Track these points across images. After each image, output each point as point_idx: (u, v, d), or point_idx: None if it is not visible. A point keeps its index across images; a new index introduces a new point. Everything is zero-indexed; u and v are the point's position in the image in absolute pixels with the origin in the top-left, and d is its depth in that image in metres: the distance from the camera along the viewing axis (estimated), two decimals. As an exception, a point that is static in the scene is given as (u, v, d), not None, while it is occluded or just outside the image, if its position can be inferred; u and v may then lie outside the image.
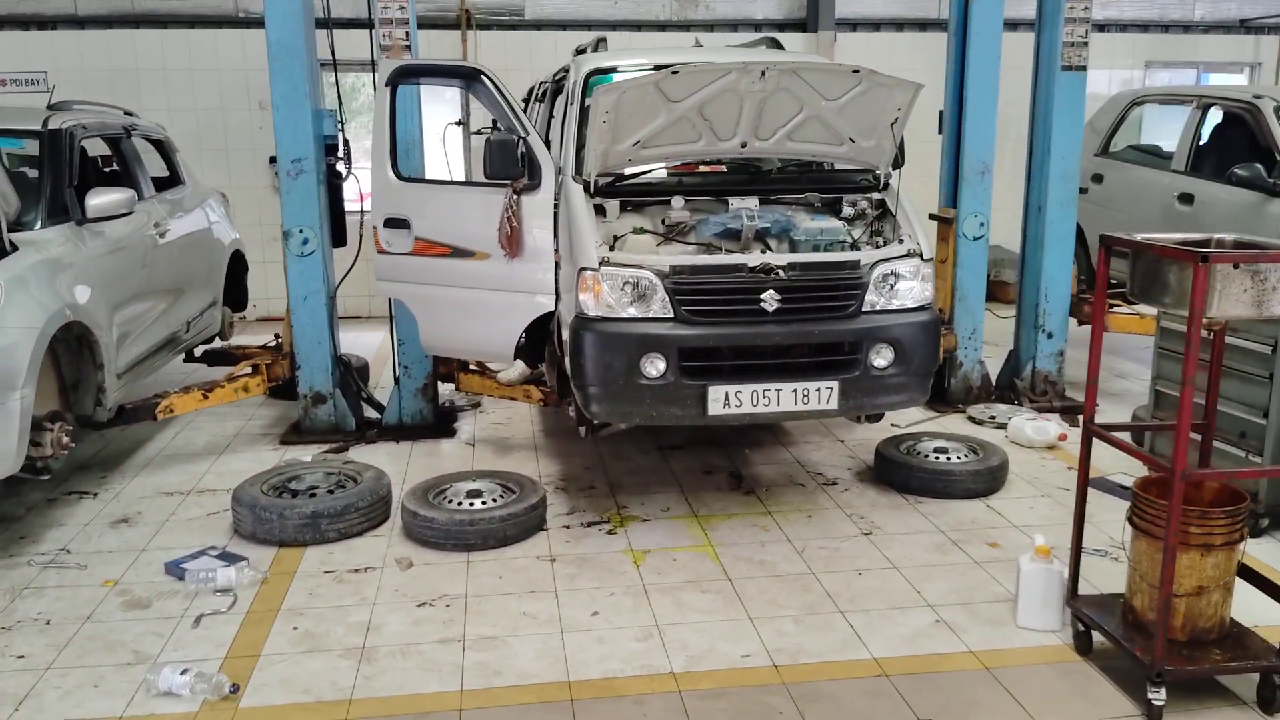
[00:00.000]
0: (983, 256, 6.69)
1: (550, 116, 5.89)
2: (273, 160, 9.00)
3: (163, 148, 6.95)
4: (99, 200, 5.15)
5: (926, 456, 5.35)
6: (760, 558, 4.50)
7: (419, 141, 6.09)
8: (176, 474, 5.65)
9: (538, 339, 5.29)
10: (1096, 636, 3.61)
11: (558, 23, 10.17)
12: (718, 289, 4.44)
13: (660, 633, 3.83)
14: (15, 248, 4.56)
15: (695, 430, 6.07)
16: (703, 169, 5.50)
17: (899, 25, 10.76)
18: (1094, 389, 3.63)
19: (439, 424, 6.39)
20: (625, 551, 4.58)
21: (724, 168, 5.44)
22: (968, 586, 4.21)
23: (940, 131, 6.88)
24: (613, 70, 5.27)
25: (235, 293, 7.46)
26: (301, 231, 5.95)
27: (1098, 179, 8.12)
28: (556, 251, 4.96)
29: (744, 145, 4.86)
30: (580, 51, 6.01)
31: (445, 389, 6.61)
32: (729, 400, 4.41)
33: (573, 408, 4.83)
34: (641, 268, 4.44)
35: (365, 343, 8.52)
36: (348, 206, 6.39)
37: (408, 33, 5.92)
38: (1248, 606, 3.53)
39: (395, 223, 5.37)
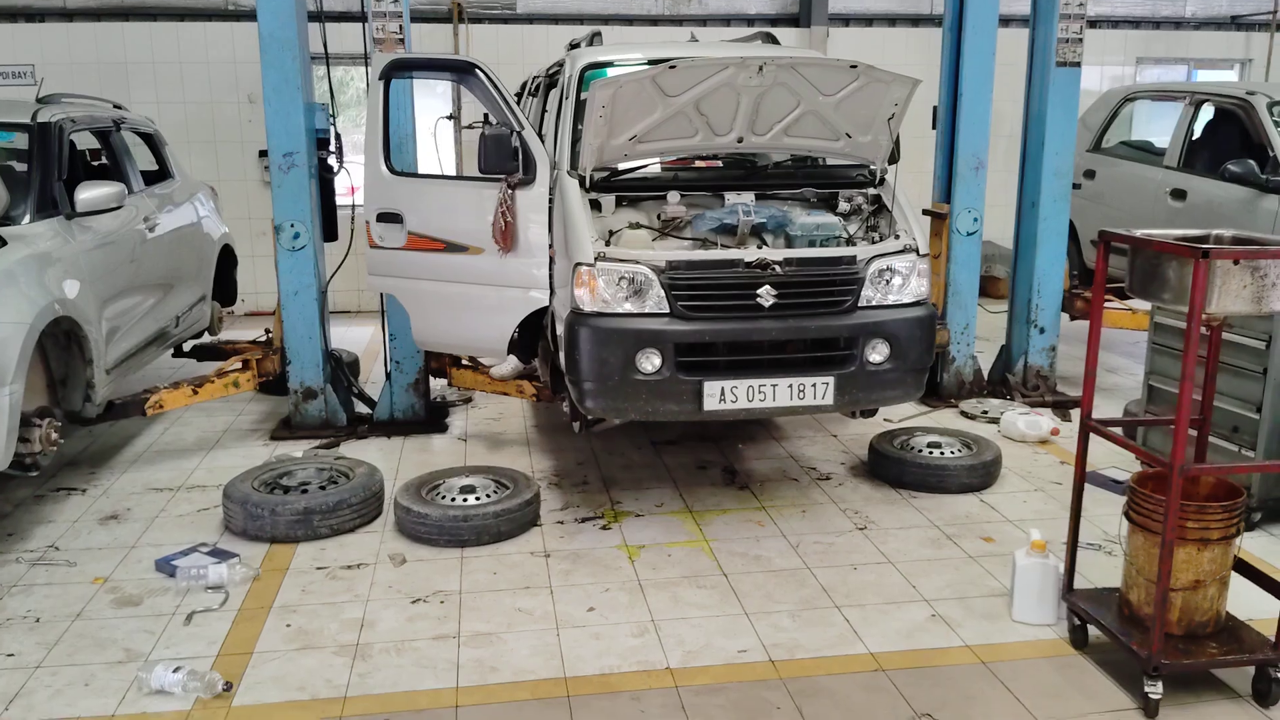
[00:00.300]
0: (976, 252, 6.69)
1: (544, 111, 5.86)
2: (263, 154, 8.98)
3: (152, 141, 6.90)
4: (88, 194, 5.11)
5: (920, 451, 5.35)
6: (755, 553, 4.49)
7: (412, 135, 6.05)
8: (166, 470, 5.61)
9: (531, 334, 5.27)
10: (1092, 630, 3.62)
11: (550, 16, 10.13)
12: (714, 284, 4.42)
13: (656, 628, 3.82)
14: (4, 242, 4.51)
15: (689, 425, 6.05)
16: (699, 164, 5.48)
17: (892, 20, 10.76)
18: (1091, 384, 3.62)
19: (431, 419, 6.36)
20: (620, 547, 4.56)
21: (720, 163, 5.42)
22: (963, 581, 4.20)
23: (934, 127, 6.88)
24: (608, 64, 5.25)
25: (225, 287, 7.41)
26: (293, 226, 5.91)
27: (1090, 175, 8.14)
28: (551, 246, 4.93)
29: (740, 140, 4.84)
30: (574, 46, 5.98)
31: (437, 384, 6.59)
32: (724, 396, 4.39)
33: (567, 403, 4.81)
34: (637, 263, 4.42)
35: (356, 338, 8.48)
36: (339, 201, 6.36)
37: (401, 26, 5.89)
38: (1243, 600, 3.54)
39: (388, 217, 5.33)
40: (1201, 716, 3.24)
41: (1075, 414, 6.06)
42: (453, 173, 9.18)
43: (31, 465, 4.53)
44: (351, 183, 6.55)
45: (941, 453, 5.33)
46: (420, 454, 5.88)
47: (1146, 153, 7.92)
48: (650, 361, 4.35)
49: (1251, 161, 6.63)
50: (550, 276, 4.97)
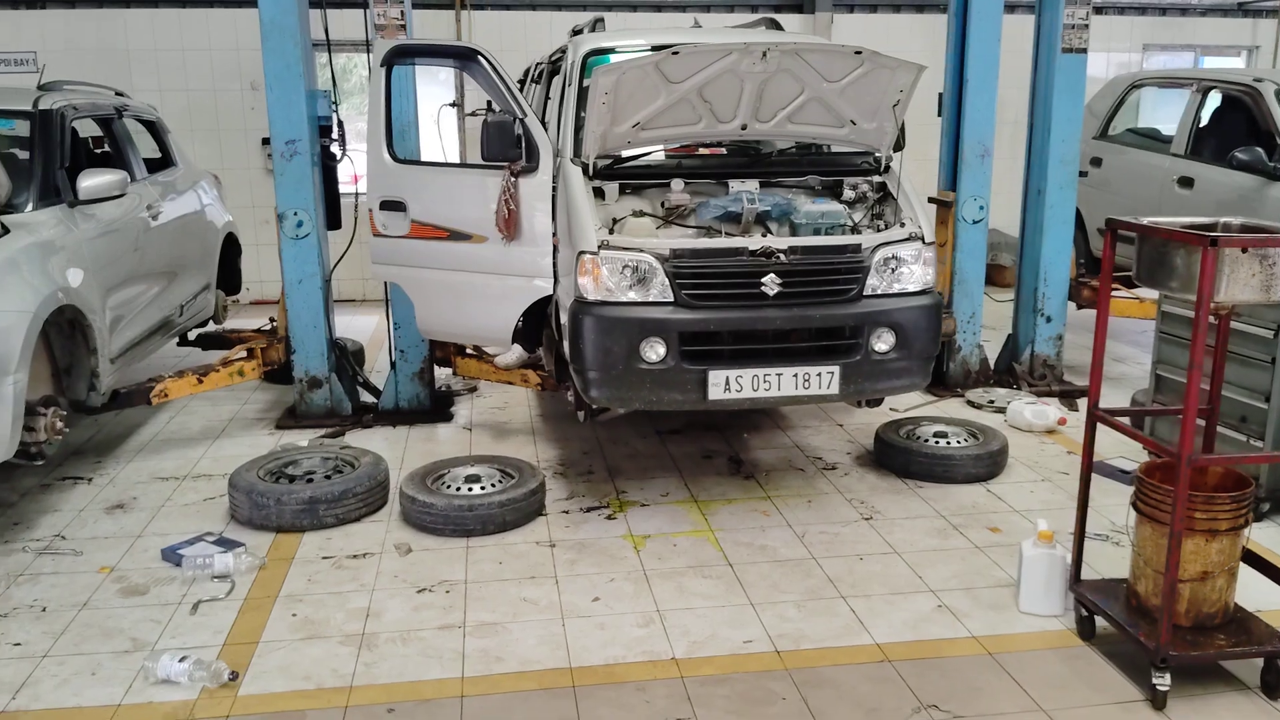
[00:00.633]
0: (982, 240, 6.66)
1: (546, 98, 5.83)
2: (266, 141, 8.95)
3: (154, 129, 6.88)
4: (91, 182, 5.09)
5: (926, 441, 5.33)
6: (761, 543, 4.48)
7: (414, 123, 6.03)
8: (172, 459, 5.61)
9: (535, 323, 5.25)
10: (1100, 621, 3.61)
11: (553, 3, 10.08)
12: (718, 273, 4.40)
13: (661, 618, 3.82)
14: (6, 230, 4.50)
15: (694, 415, 6.04)
16: (702, 151, 5.45)
17: (896, 7, 10.69)
18: (1098, 373, 3.61)
19: (436, 408, 6.35)
20: (625, 537, 4.56)
21: (724, 150, 5.39)
22: (969, 571, 4.19)
23: (940, 114, 6.84)
24: (611, 51, 5.22)
25: (229, 276, 7.40)
26: (296, 214, 5.89)
27: (1096, 162, 8.09)
28: (555, 235, 4.91)
29: (744, 127, 4.81)
30: (577, 32, 5.95)
31: (442, 373, 6.58)
32: (729, 385, 4.38)
33: (571, 392, 4.80)
34: (641, 251, 4.40)
35: (360, 326, 8.47)
36: (342, 189, 6.33)
37: (403, 12, 5.85)
38: (1251, 591, 3.53)
39: (391, 205, 5.32)
40: (1209, 708, 3.23)
41: (1082, 403, 6.04)
42: (456, 160, 9.14)
43: (37, 454, 4.53)
44: (355, 170, 6.53)
45: (948, 442, 5.32)
46: (425, 443, 5.87)
47: (1153, 140, 7.87)
48: (654, 350, 4.34)
49: (1259, 149, 6.59)
50: (554, 265, 4.95)
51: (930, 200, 6.70)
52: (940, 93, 6.81)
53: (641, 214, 4.77)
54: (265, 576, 4.16)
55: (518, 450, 5.64)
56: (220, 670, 3.39)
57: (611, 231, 4.56)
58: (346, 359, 6.38)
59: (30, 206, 4.82)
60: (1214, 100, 7.46)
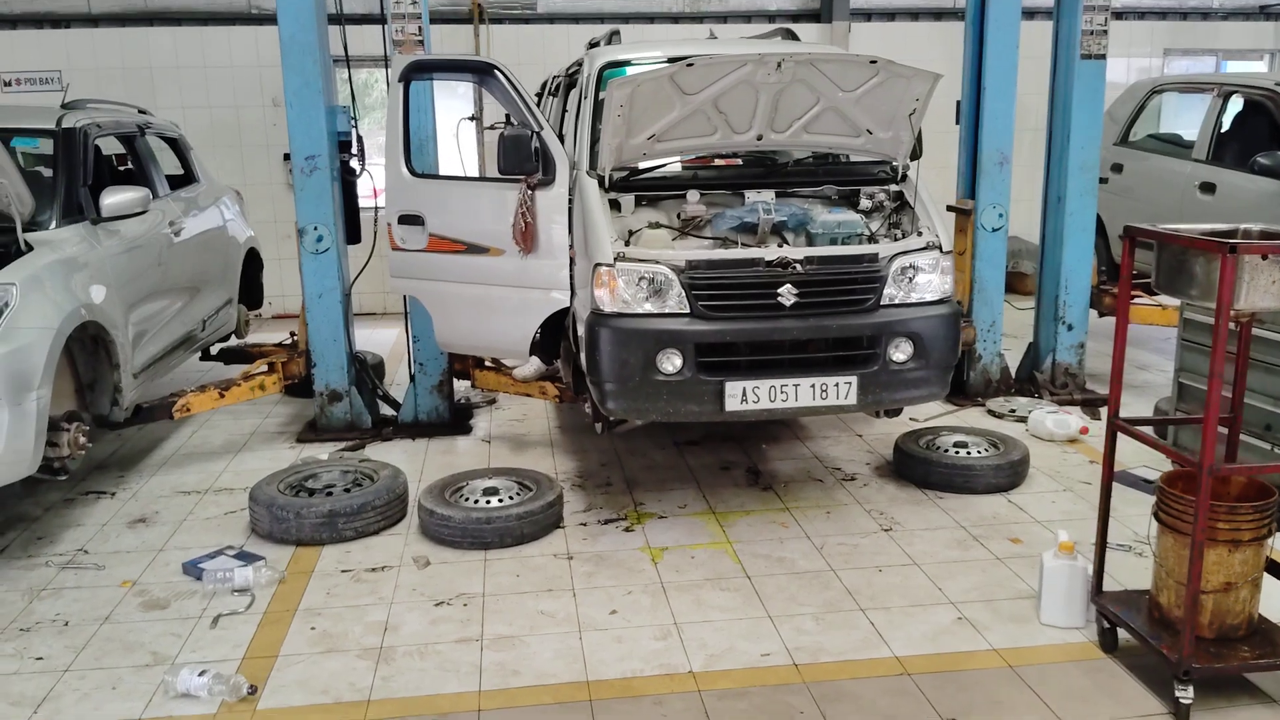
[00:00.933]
0: (1001, 248, 6.62)
1: (564, 111, 5.86)
2: (287, 157, 9.03)
3: (177, 146, 6.96)
4: (114, 199, 5.15)
5: (946, 451, 5.30)
6: (779, 555, 4.46)
7: (433, 137, 6.07)
8: (194, 473, 5.65)
9: (553, 335, 5.26)
10: (1122, 634, 3.56)
11: (570, 16, 10.13)
12: (734, 283, 4.39)
13: (679, 631, 3.80)
14: (30, 247, 4.56)
15: (712, 426, 6.03)
16: (718, 162, 5.45)
17: (914, 15, 10.67)
18: (1119, 381, 3.57)
19: (455, 421, 6.37)
20: (643, 549, 4.55)
21: (740, 161, 5.39)
22: (990, 583, 4.16)
23: (958, 122, 6.81)
24: (627, 63, 5.24)
25: (250, 290, 7.46)
26: (316, 229, 5.94)
27: (1117, 169, 8.04)
28: (571, 247, 4.92)
29: (760, 138, 4.81)
30: (593, 45, 5.98)
31: (461, 386, 6.60)
32: (746, 396, 4.37)
33: (588, 404, 4.80)
34: (657, 263, 4.40)
35: (380, 340, 8.52)
36: (362, 203, 6.38)
37: (420, 28, 5.90)
38: (1276, 602, 3.48)
39: (409, 219, 5.34)
40: (1234, 721, 3.19)
41: (1104, 412, 5.98)
42: (476, 174, 9.19)
43: (60, 469, 4.58)
44: (375, 185, 6.58)
45: (968, 452, 5.28)
46: (444, 456, 5.89)
47: (1175, 145, 7.82)
48: (671, 362, 4.34)
49: (1282, 153, 6.53)
50: (571, 277, 4.96)
51: (949, 208, 6.68)
52: (958, 100, 6.78)
53: (657, 225, 4.77)
54: (285, 590, 4.18)
55: (536, 462, 5.64)
56: (239, 684, 3.40)
57: (628, 243, 4.57)
58: (366, 372, 6.42)
59: (54, 224, 4.89)
60: (1235, 105, 7.39)
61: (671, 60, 4.75)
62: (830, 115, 4.74)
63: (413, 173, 5.41)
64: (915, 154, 4.97)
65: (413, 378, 6.29)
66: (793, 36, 6.20)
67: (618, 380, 4.39)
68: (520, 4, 10.12)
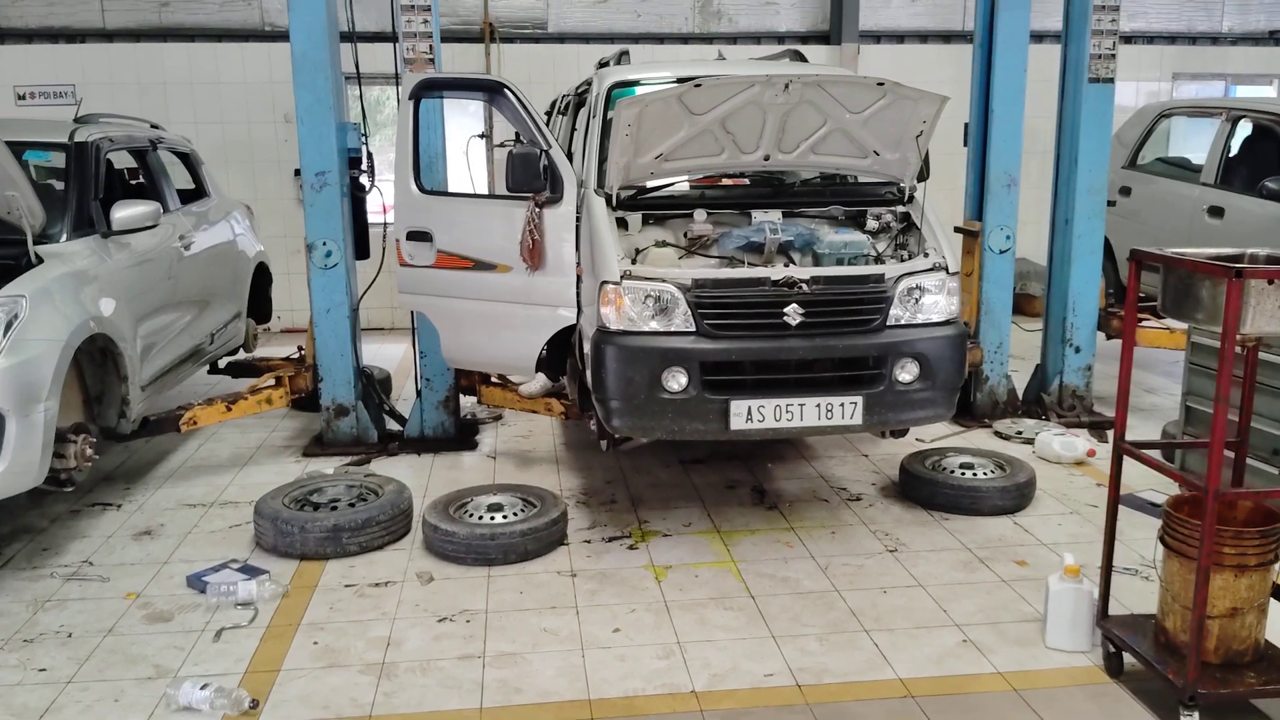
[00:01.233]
0: (1009, 270, 6.62)
1: (573, 129, 5.89)
2: (298, 173, 9.08)
3: (188, 160, 7.01)
4: (124, 213, 5.19)
5: (952, 472, 5.29)
6: (783, 574, 4.45)
7: (442, 154, 6.10)
8: (199, 486, 5.66)
9: (559, 352, 5.27)
10: (1128, 658, 3.54)
11: (580, 35, 10.19)
12: (740, 303, 4.40)
13: (682, 650, 3.79)
14: (41, 260, 4.59)
15: (717, 444, 6.02)
16: (725, 182, 5.48)
17: (923, 37, 10.72)
18: (1124, 405, 3.56)
19: (460, 437, 6.38)
20: (647, 567, 4.54)
21: (747, 181, 5.41)
22: (995, 606, 4.14)
23: (966, 144, 6.83)
24: (635, 83, 5.26)
25: (259, 304, 7.50)
26: (325, 244, 5.97)
27: (1126, 192, 8.05)
28: (578, 264, 4.94)
29: (767, 158, 4.83)
30: (603, 64, 6.01)
31: (467, 401, 6.61)
32: (751, 415, 4.37)
33: (594, 421, 4.81)
34: (663, 281, 4.41)
35: (388, 355, 8.54)
36: (371, 219, 6.41)
37: (431, 46, 5.94)
38: (1283, 629, 3.46)
39: (418, 235, 5.37)
40: (1240, 747, 3.17)
41: (1111, 435, 5.95)
42: (486, 191, 9.23)
43: (67, 481, 4.60)
44: (384, 201, 6.61)
45: (974, 474, 5.27)
46: (450, 471, 5.89)
47: (1183, 169, 7.82)
48: (676, 380, 4.34)
49: (1291, 178, 6.53)
50: (578, 294, 4.97)
51: (956, 230, 6.68)
52: (966, 122, 6.80)
53: (664, 244, 4.78)
54: (288, 604, 4.18)
55: (541, 479, 5.64)
56: (241, 698, 3.40)
57: (634, 261, 4.58)
58: (373, 387, 6.43)
59: (64, 237, 4.92)
60: (1244, 129, 7.40)
61: (680, 80, 4.78)
62: (837, 136, 4.76)
63: (422, 189, 5.43)
64: (922, 175, 4.98)
65: (419, 393, 6.31)
66: (801, 58, 6.23)
67: (623, 398, 4.40)
68: (531, 23, 10.19)
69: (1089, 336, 6.67)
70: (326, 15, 5.78)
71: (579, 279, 4.94)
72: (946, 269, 4.65)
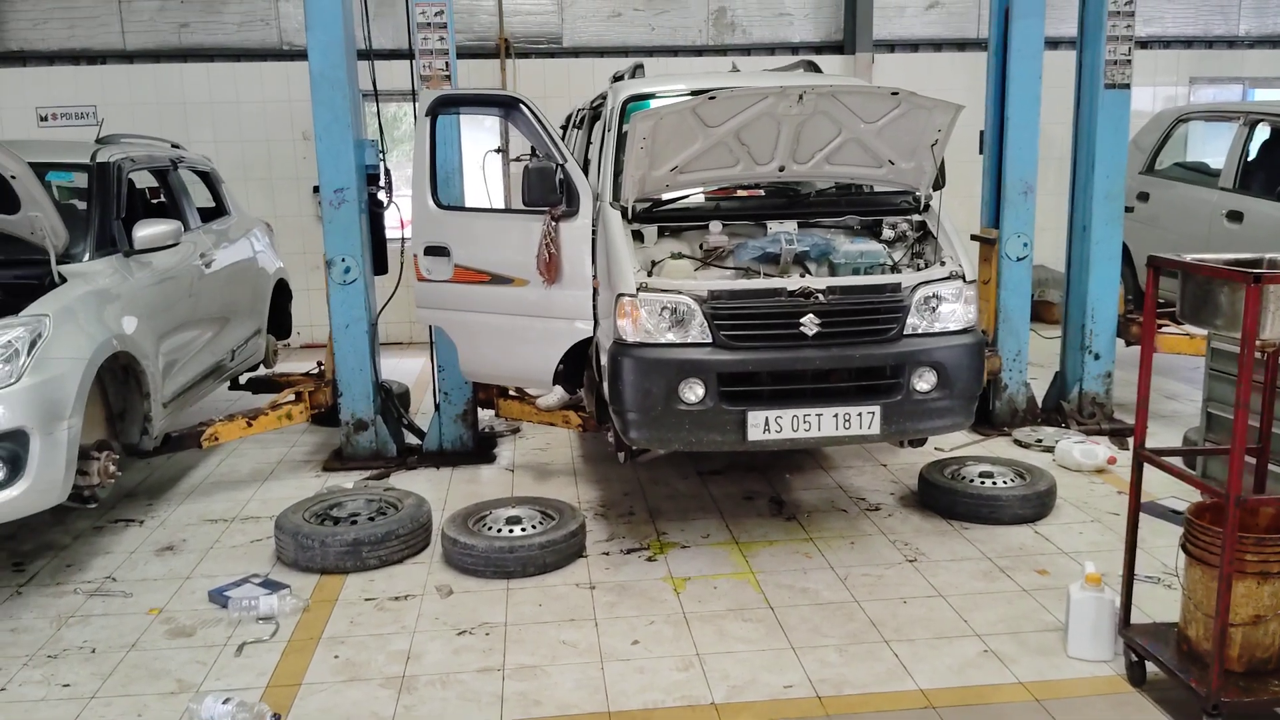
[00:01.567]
0: (1027, 277, 6.60)
1: (588, 143, 5.91)
2: (316, 190, 9.16)
3: (209, 179, 7.08)
4: (146, 232, 5.25)
5: (972, 481, 5.26)
6: (802, 585, 4.44)
7: (459, 169, 6.14)
8: (221, 501, 5.70)
9: (576, 364, 5.28)
10: (1150, 667, 3.52)
11: (595, 49, 10.24)
12: (756, 313, 4.41)
13: (701, 662, 3.79)
14: (64, 279, 4.65)
15: (735, 455, 6.02)
16: (740, 193, 5.49)
17: (938, 46, 10.71)
18: (1144, 412, 3.55)
19: (479, 450, 6.40)
20: (665, 579, 4.54)
21: (762, 192, 5.42)
22: (1016, 615, 4.12)
23: (981, 151, 6.82)
24: (650, 96, 5.29)
25: (279, 320, 7.56)
26: (343, 260, 6.02)
27: (1143, 197, 8.00)
28: (595, 277, 4.96)
29: (782, 169, 4.84)
30: (617, 78, 6.04)
31: (485, 415, 6.63)
32: (769, 425, 4.37)
33: (611, 433, 4.82)
34: (679, 293, 4.42)
35: (406, 369, 8.58)
36: (389, 234, 6.46)
37: (447, 63, 5.99)
38: (1309, 637, 3.42)
39: (435, 250, 5.40)
40: (1266, 757, 3.14)
41: (1132, 442, 5.91)
42: (503, 205, 9.28)
43: (90, 498, 4.64)
44: (402, 217, 6.66)
45: (994, 483, 5.24)
46: (468, 484, 5.91)
47: (1201, 174, 7.77)
48: (693, 391, 4.35)
49: (1310, 182, 6.48)
50: (594, 307, 4.99)
51: (973, 238, 6.67)
52: (982, 130, 6.80)
53: (680, 256, 4.79)
54: (309, 618, 4.20)
55: (559, 491, 5.65)
56: (263, 712, 3.42)
57: (650, 274, 4.59)
58: (392, 401, 6.47)
59: (87, 256, 4.98)
60: (1262, 133, 7.35)
61: (694, 93, 4.79)
62: (852, 146, 4.76)
63: (439, 205, 5.47)
64: (938, 184, 4.98)
65: (438, 407, 6.34)
66: (815, 68, 6.25)
67: (640, 410, 4.41)
68: (546, 38, 10.26)
69: (1108, 343, 6.63)
70: (344, 34, 5.84)
71: (595, 292, 4.96)
72: (963, 277, 4.64)
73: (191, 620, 4.23)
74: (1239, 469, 3.06)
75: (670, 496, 5.59)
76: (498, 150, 9.62)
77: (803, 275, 4.69)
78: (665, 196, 4.95)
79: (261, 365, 7.31)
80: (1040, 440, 6.30)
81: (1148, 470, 3.59)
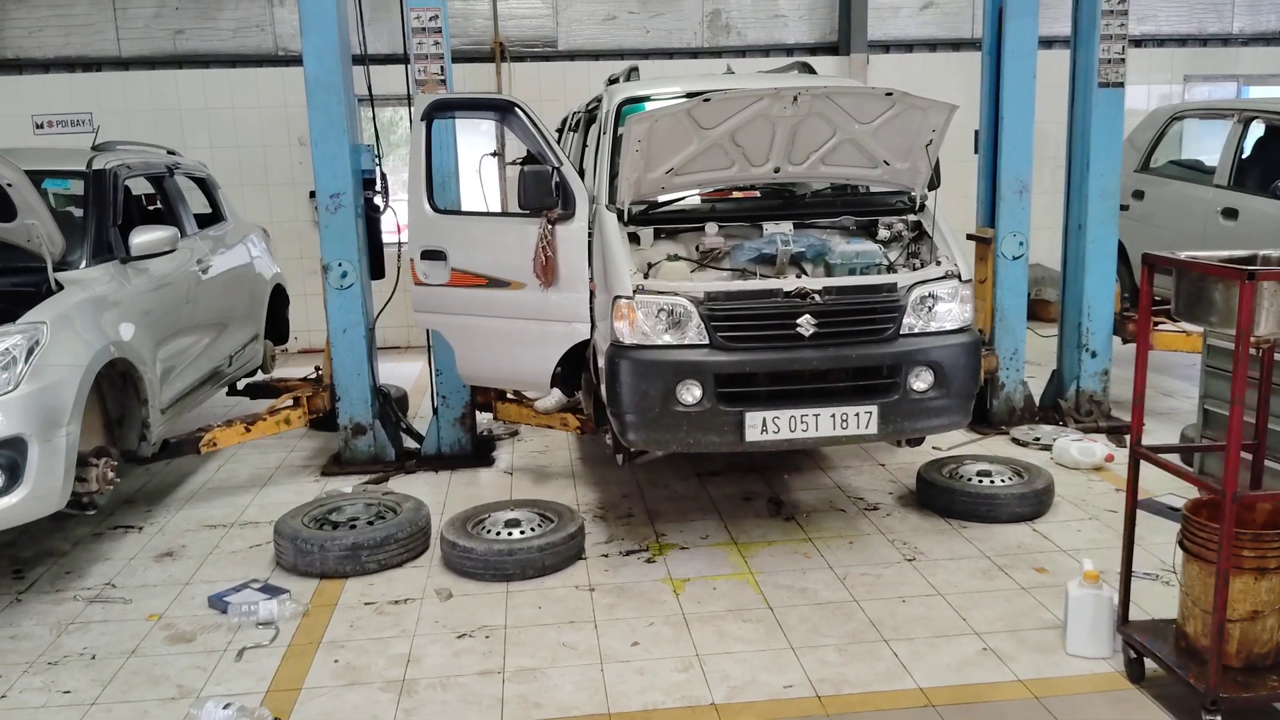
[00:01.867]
0: (1023, 276, 6.61)
1: (584, 146, 5.92)
2: (313, 195, 9.16)
3: (205, 185, 7.09)
4: (143, 238, 5.25)
5: (970, 480, 5.27)
6: (801, 585, 4.44)
7: (455, 174, 6.15)
8: (220, 507, 5.71)
9: (574, 367, 5.29)
10: (1149, 663, 3.52)
11: (590, 52, 10.26)
12: (753, 314, 4.41)
13: (701, 663, 3.79)
14: (61, 286, 4.65)
15: (733, 456, 6.03)
16: (736, 195, 5.49)
17: (932, 46, 10.73)
18: (1140, 409, 3.56)
19: (477, 453, 6.40)
20: (664, 580, 4.55)
21: (757, 193, 5.43)
22: (1015, 613, 4.12)
23: (976, 151, 6.83)
24: (645, 99, 5.30)
25: (277, 326, 7.56)
26: (340, 265, 6.02)
27: (1139, 195, 8.02)
28: (591, 280, 4.96)
29: (777, 170, 4.85)
30: (613, 81, 6.05)
31: (483, 418, 6.63)
32: (766, 426, 4.38)
33: (609, 435, 4.82)
34: (676, 294, 4.43)
35: (404, 373, 8.58)
36: (385, 239, 6.46)
37: (442, 67, 5.99)
38: (1306, 632, 3.42)
39: (432, 254, 5.41)
40: (1264, 752, 3.14)
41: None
42: (499, 209, 9.29)
43: (89, 504, 4.64)
44: (399, 221, 6.67)
45: (992, 481, 5.25)
46: (467, 488, 5.92)
47: (1196, 171, 7.79)
48: (691, 393, 4.35)
49: (1304, 178, 6.50)
50: (591, 310, 5.00)
51: (969, 237, 6.68)
52: (977, 130, 6.81)
53: (676, 258, 4.81)
54: (308, 623, 4.20)
55: (558, 494, 5.66)
56: (264, 717, 3.43)
57: (647, 276, 4.60)
58: (390, 406, 6.47)
59: (84, 263, 4.99)
60: (1257, 130, 7.37)
61: (689, 95, 4.81)
62: (847, 147, 4.77)
63: (435, 209, 5.48)
64: (933, 184, 4.99)
65: (436, 411, 6.34)
66: (809, 70, 6.26)
67: (638, 411, 4.41)
68: (541, 42, 10.27)
69: (1105, 341, 6.65)
70: (339, 39, 5.85)
71: (592, 294, 4.97)
72: (959, 276, 4.65)
73: (191, 626, 4.23)
74: (1235, 465, 3.07)
75: (669, 498, 5.60)
76: (493, 154, 9.62)
77: (799, 276, 4.69)
78: (661, 199, 4.96)
79: (259, 370, 7.32)
80: (1038, 438, 6.31)
81: (1145, 467, 3.60)
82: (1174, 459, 3.62)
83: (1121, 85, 6.41)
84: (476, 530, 4.80)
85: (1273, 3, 11.16)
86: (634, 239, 4.80)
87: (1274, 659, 3.28)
